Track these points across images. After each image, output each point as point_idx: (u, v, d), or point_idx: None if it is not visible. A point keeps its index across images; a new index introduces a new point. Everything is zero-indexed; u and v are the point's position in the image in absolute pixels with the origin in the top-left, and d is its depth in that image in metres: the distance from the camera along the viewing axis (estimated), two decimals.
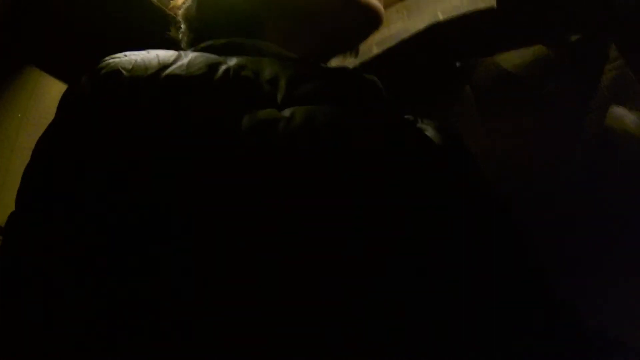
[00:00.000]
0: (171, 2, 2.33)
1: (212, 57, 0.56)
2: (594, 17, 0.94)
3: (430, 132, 0.60)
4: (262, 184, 0.46)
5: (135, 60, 0.53)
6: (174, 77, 0.51)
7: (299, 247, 0.43)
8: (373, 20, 0.76)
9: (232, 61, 0.56)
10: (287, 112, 0.50)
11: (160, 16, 1.16)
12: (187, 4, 0.78)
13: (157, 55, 0.54)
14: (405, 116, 0.64)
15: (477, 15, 1.00)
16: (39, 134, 1.08)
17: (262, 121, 0.49)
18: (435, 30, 1.04)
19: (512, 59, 1.03)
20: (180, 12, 0.79)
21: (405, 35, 1.08)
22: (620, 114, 0.94)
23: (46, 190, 0.49)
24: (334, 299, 0.42)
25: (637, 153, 0.89)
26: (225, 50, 0.61)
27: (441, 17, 1.08)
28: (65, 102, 0.55)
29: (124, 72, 0.51)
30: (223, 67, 0.54)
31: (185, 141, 0.47)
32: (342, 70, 0.69)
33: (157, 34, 1.17)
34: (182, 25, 0.78)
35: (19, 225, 0.49)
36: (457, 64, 1.08)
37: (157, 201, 0.45)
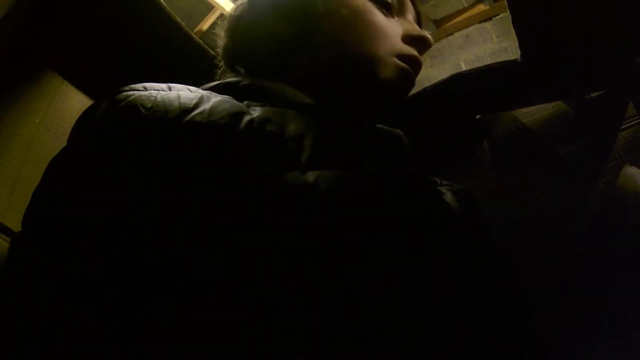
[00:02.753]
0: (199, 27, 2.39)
1: (235, 105, 0.54)
2: (614, 75, 0.95)
3: (448, 197, 0.60)
4: (285, 249, 0.45)
5: (155, 99, 0.51)
6: (195, 124, 0.50)
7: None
8: (404, 92, 0.73)
9: (256, 112, 0.54)
10: (311, 177, 0.49)
11: (185, 37, 1.18)
12: (223, 25, 0.77)
13: (179, 97, 0.52)
14: (428, 176, 0.64)
15: (500, 68, 1.01)
16: (54, 144, 1.09)
17: (288, 185, 0.48)
18: (457, 81, 1.05)
19: (532, 113, 1.04)
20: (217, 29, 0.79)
21: (428, 84, 1.09)
22: (632, 173, 0.94)
23: (53, 216, 0.48)
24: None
25: None
26: (249, 93, 0.60)
27: (464, 67, 1.09)
28: (80, 129, 0.54)
29: (142, 109, 0.50)
30: (247, 119, 0.52)
31: (202, 196, 0.46)
32: (367, 124, 0.66)
33: (183, 54, 1.19)
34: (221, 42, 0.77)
35: (23, 246, 0.49)
36: (477, 117, 1.08)
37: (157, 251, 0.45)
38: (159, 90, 0.53)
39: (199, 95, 0.54)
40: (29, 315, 0.43)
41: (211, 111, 0.51)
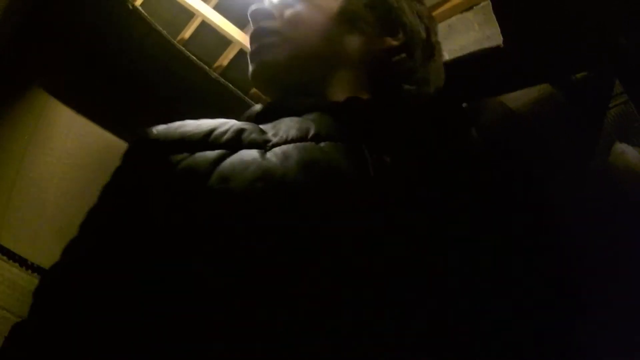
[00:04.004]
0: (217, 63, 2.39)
1: (264, 165, 0.54)
2: (599, 55, 0.96)
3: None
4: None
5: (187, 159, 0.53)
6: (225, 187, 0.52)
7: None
8: None
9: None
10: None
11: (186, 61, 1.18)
12: None
13: (206, 157, 0.54)
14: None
15: (483, 55, 1.02)
16: (44, 159, 1.09)
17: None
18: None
19: (517, 98, 1.04)
20: None
21: None
22: (622, 149, 0.95)
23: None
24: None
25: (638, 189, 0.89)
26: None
27: (447, 57, 1.09)
28: (125, 160, 0.57)
29: (173, 161, 0.52)
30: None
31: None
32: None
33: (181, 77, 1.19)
34: None
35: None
36: (463, 105, 1.08)
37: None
38: (190, 142, 0.56)
39: (225, 151, 0.55)
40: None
41: (236, 166, 0.53)
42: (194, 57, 1.22)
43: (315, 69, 0.70)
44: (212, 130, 0.55)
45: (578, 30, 0.91)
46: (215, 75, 1.22)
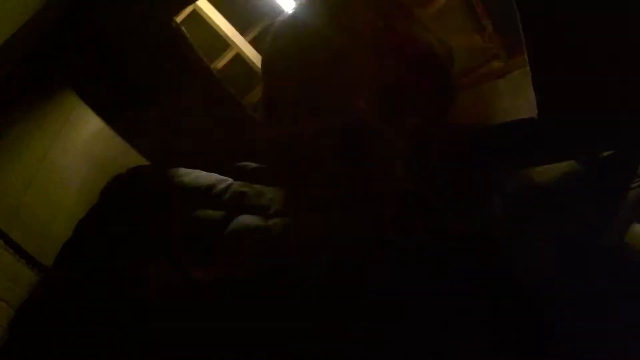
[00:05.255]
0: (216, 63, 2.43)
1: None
2: (632, 136, 0.95)
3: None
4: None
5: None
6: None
7: None
8: None
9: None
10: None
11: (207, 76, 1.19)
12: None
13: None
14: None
15: (516, 125, 1.01)
16: (65, 162, 1.08)
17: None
18: (473, 137, 1.06)
19: (545, 172, 1.04)
20: None
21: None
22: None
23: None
24: None
25: None
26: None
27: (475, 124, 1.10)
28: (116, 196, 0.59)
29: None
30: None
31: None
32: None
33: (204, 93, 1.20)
34: None
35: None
36: (491, 173, 1.08)
37: None
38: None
39: (225, 213, 0.56)
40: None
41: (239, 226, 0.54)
42: (231, 90, 1.22)
43: None
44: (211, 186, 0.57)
45: (616, 112, 0.91)
46: (249, 111, 1.23)
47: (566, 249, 0.94)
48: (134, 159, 1.18)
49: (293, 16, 0.69)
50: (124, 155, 1.10)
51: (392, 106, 0.61)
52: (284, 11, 1.39)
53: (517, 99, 1.69)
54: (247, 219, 0.53)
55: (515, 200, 1.04)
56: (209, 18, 2.15)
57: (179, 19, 1.41)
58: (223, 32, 2.19)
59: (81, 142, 1.05)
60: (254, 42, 2.27)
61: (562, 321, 0.66)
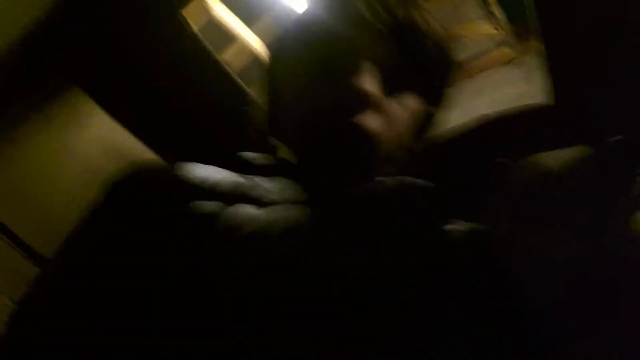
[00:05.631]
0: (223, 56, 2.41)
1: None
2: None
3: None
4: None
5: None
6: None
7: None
8: None
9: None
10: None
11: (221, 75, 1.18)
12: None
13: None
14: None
15: (528, 111, 1.01)
16: (67, 154, 1.08)
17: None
18: (484, 124, 1.05)
19: (552, 156, 1.03)
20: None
21: (447, 126, 1.09)
22: None
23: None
24: None
25: None
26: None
27: (485, 111, 1.09)
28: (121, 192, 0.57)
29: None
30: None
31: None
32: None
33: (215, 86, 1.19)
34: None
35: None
36: (497, 160, 1.07)
37: None
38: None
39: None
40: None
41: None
42: (248, 90, 1.22)
43: None
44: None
45: (630, 97, 0.90)
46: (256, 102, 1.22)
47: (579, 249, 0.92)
48: (141, 152, 1.18)
49: (300, 16, 0.69)
50: (130, 149, 1.10)
51: (394, 85, 0.60)
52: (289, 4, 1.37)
53: (526, 85, 1.68)
54: (242, 208, 0.52)
55: (520, 187, 1.04)
56: (214, 10, 2.14)
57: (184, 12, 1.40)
58: (228, 23, 2.18)
59: (86, 141, 1.05)
60: (259, 34, 2.27)
61: (560, 328, 0.65)
